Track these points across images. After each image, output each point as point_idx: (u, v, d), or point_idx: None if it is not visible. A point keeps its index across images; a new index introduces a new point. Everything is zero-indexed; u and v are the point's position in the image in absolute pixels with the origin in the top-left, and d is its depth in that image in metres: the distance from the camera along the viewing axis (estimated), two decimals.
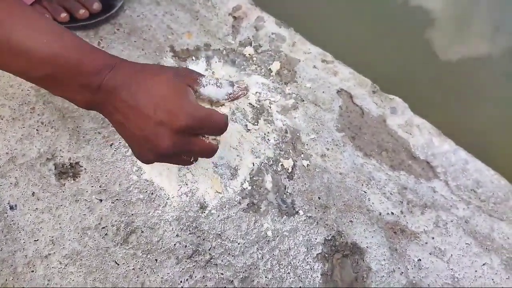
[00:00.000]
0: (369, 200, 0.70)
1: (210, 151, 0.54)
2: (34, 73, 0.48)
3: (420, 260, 0.66)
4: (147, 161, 0.53)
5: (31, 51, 0.46)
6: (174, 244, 0.62)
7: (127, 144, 0.56)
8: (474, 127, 0.96)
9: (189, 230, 0.63)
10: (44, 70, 0.47)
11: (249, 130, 0.72)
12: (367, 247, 0.66)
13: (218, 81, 0.55)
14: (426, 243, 0.68)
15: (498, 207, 0.72)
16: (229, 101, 0.57)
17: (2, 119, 0.67)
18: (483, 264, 0.67)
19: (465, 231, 0.70)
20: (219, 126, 0.52)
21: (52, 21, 0.51)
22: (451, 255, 0.68)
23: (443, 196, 0.72)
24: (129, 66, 0.51)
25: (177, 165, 0.66)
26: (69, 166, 0.65)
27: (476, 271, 0.67)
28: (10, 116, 0.68)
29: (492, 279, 0.66)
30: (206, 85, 0.53)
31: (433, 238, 0.68)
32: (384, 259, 0.66)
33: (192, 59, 0.79)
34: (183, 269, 0.61)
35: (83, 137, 0.67)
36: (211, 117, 0.51)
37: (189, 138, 0.51)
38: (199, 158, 0.58)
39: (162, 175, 0.66)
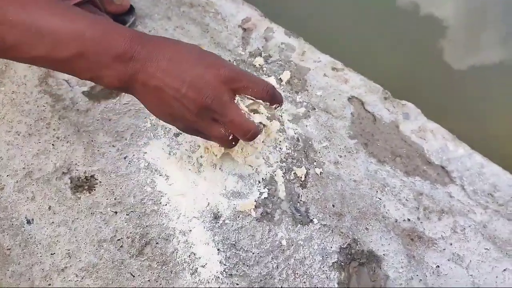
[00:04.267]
0: (385, 207, 0.69)
1: (247, 125, 0.51)
2: (62, 54, 0.46)
3: (438, 266, 0.65)
4: (185, 122, 0.51)
5: (58, 30, 0.45)
6: (189, 255, 0.62)
7: (163, 122, 0.55)
8: (488, 131, 0.95)
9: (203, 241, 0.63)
10: (72, 48, 0.46)
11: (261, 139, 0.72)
12: (384, 254, 0.65)
13: None
14: (444, 249, 0.67)
15: None
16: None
17: (18, 135, 0.69)
18: (504, 270, 0.66)
19: (484, 236, 0.68)
20: (262, 84, 0.52)
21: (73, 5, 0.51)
22: (470, 261, 0.66)
23: (460, 201, 0.71)
24: (157, 36, 0.51)
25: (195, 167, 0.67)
26: (85, 180, 0.66)
27: (497, 277, 0.65)
28: (26, 132, 0.69)
29: None
30: None
31: (451, 244, 0.67)
32: (401, 267, 0.65)
33: None
34: (198, 280, 0.61)
35: (98, 150, 0.68)
36: (252, 75, 0.52)
37: (231, 94, 0.50)
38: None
39: (176, 186, 0.66)
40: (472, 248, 0.67)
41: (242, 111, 0.51)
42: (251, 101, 0.54)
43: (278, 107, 0.56)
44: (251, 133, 0.52)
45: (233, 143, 0.55)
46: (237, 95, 0.51)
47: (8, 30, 0.45)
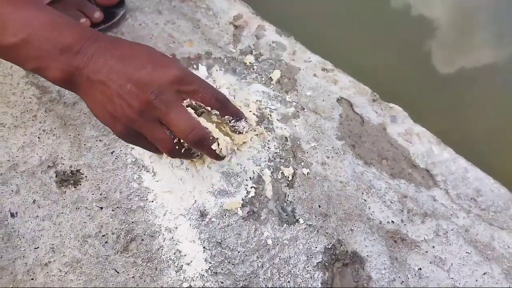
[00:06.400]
0: (369, 208, 0.70)
1: (188, 123, 0.49)
2: (8, 39, 0.45)
3: (420, 269, 0.66)
4: (127, 121, 0.49)
5: (8, 16, 0.44)
6: (174, 253, 0.62)
7: (100, 117, 0.51)
8: (475, 136, 0.96)
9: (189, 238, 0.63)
10: (19, 34, 0.45)
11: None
12: (367, 256, 0.66)
13: None
14: (427, 252, 0.68)
15: (498, 216, 0.72)
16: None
17: (4, 126, 0.68)
18: (484, 273, 0.67)
19: (466, 240, 0.69)
20: (211, 90, 0.51)
21: None
22: (452, 264, 0.67)
23: (443, 205, 0.72)
24: (112, 36, 0.50)
25: (175, 166, 0.66)
26: (70, 174, 0.65)
27: (476, 280, 0.67)
28: (12, 123, 0.68)
29: None
30: None
31: (433, 247, 0.68)
32: (384, 268, 0.66)
33: (194, 68, 0.79)
34: (183, 277, 0.61)
35: (84, 144, 0.68)
36: (202, 80, 0.50)
37: (177, 96, 0.49)
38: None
39: (163, 183, 0.66)
40: (454, 252, 0.68)
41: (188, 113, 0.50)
42: (215, 118, 0.54)
43: (236, 121, 0.56)
44: (193, 132, 0.49)
45: (178, 148, 0.52)
46: (185, 100, 0.50)
47: None
